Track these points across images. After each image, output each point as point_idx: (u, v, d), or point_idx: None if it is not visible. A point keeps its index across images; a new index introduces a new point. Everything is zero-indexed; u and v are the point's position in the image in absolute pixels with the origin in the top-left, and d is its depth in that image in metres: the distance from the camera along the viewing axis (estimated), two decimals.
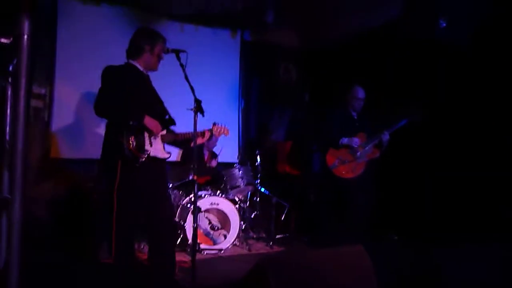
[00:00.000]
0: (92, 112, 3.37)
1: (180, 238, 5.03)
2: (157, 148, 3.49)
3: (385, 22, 6.03)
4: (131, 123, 3.30)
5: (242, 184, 5.51)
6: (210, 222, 5.32)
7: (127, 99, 3.34)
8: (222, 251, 5.13)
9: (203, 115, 3.41)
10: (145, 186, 3.44)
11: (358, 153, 5.05)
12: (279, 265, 2.43)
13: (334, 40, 7.07)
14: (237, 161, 6.74)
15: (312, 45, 7.64)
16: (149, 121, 3.39)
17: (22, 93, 1.54)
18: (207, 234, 5.30)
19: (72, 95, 5.91)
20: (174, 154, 5.65)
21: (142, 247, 4.99)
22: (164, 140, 3.57)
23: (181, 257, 4.68)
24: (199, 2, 6.19)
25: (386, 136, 5.03)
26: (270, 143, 7.65)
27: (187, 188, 5.53)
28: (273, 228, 5.85)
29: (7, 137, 1.68)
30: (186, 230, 4.94)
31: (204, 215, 5.29)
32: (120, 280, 3.42)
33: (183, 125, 3.81)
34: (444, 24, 5.24)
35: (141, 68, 3.51)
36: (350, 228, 4.99)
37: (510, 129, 4.76)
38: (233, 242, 5.24)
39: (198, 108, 3.40)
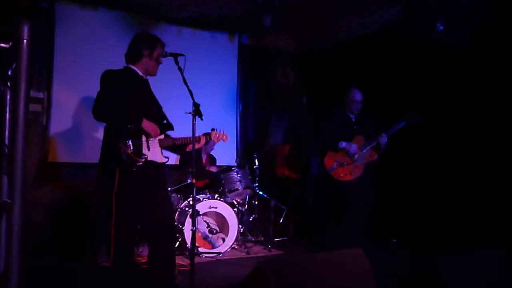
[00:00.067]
0: (90, 116, 3.36)
1: (178, 242, 5.02)
2: (155, 153, 3.49)
3: (383, 25, 6.05)
4: (129, 126, 3.31)
5: (240, 187, 5.51)
6: (208, 226, 5.32)
7: (126, 103, 3.34)
8: (221, 255, 5.12)
9: (201, 119, 3.41)
10: (143, 190, 3.44)
11: (356, 156, 5.07)
12: (278, 268, 2.44)
13: (332, 43, 7.10)
14: (235, 164, 6.75)
15: (310, 48, 7.66)
16: (147, 125, 3.39)
17: (22, 97, 1.55)
18: (205, 238, 5.30)
19: (70, 99, 5.91)
20: (173, 158, 5.65)
21: (140, 251, 4.99)
22: (162, 144, 3.57)
23: (180, 260, 4.67)
24: (196, 6, 6.19)
25: (384, 139, 5.05)
26: (268, 147, 7.66)
27: (185, 191, 5.53)
28: (272, 231, 5.85)
29: (6, 142, 1.68)
30: (185, 233, 4.94)
31: (203, 218, 5.29)
32: (119, 284, 3.42)
33: (181, 129, 3.81)
34: (442, 27, 5.25)
35: (140, 73, 3.52)
36: (348, 231, 5.00)
37: (509, 130, 4.77)
38: (231, 245, 5.24)
39: (197, 111, 3.41)
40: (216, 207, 5.22)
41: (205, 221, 5.33)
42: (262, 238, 6.06)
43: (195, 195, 3.54)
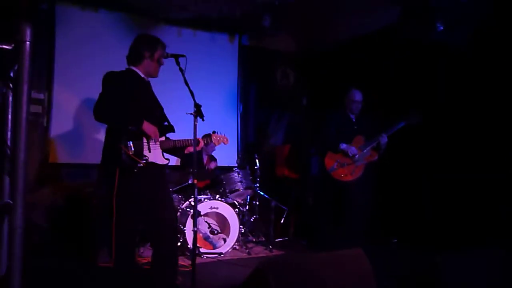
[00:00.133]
0: (91, 117, 3.37)
1: (179, 243, 5.03)
2: (156, 154, 3.49)
3: (382, 25, 6.06)
4: (129, 128, 3.31)
5: (241, 188, 5.52)
6: (209, 226, 5.33)
7: (127, 105, 3.35)
8: (222, 255, 5.13)
9: (203, 120, 3.42)
10: (144, 191, 3.44)
11: (357, 156, 5.07)
12: (279, 269, 2.44)
13: (332, 43, 7.11)
14: (236, 165, 6.75)
15: (310, 49, 7.66)
16: (147, 127, 3.39)
17: (24, 98, 1.55)
18: (206, 238, 5.30)
19: (70, 101, 5.92)
20: (173, 158, 5.65)
21: (141, 252, 4.99)
22: (163, 146, 3.57)
23: (181, 261, 4.68)
24: (196, 6, 6.20)
25: (384, 139, 5.05)
26: (268, 147, 7.67)
27: (187, 192, 5.54)
28: (273, 231, 5.85)
29: (8, 143, 1.68)
30: (186, 234, 4.94)
31: (204, 219, 5.30)
32: (121, 284, 3.42)
33: (182, 130, 3.82)
34: (442, 28, 5.25)
35: (141, 74, 3.52)
36: (349, 231, 5.00)
37: (509, 130, 4.77)
38: (232, 246, 5.24)
39: (198, 112, 3.42)
40: (217, 208, 5.23)
41: (206, 221, 5.34)
42: (263, 239, 6.06)
43: (196, 195, 3.55)
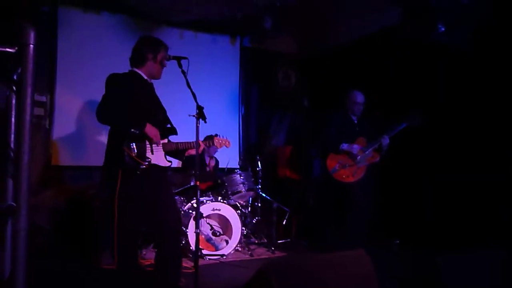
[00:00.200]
0: (93, 120, 3.38)
1: (182, 244, 5.03)
2: (158, 156, 3.50)
3: (384, 26, 6.06)
4: (132, 130, 3.32)
5: (243, 189, 5.53)
6: (211, 228, 5.33)
7: (130, 107, 3.36)
8: (224, 257, 5.13)
9: (205, 121, 3.43)
10: (146, 193, 3.45)
11: (358, 157, 5.07)
12: (282, 270, 2.44)
13: (332, 44, 7.11)
14: (238, 166, 6.75)
15: (311, 50, 7.67)
16: (150, 129, 3.40)
17: (28, 101, 1.55)
18: (208, 240, 5.31)
19: (73, 103, 5.93)
20: (175, 161, 5.66)
21: (144, 253, 5.00)
22: (165, 148, 3.58)
23: (183, 263, 4.67)
24: (198, 9, 6.21)
25: (386, 140, 5.05)
26: (270, 148, 7.67)
27: (189, 194, 5.54)
28: (275, 233, 5.86)
29: (12, 145, 1.69)
30: (188, 236, 4.95)
31: (206, 221, 5.30)
32: (123, 286, 3.43)
33: (184, 132, 3.83)
34: (443, 29, 5.26)
35: (145, 76, 3.54)
36: (351, 232, 5.00)
37: (509, 131, 4.77)
38: (235, 247, 5.24)
39: (200, 114, 3.42)
40: (219, 210, 5.23)
41: (208, 223, 5.34)
42: (266, 240, 6.07)
43: (199, 197, 3.55)
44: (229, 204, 5.33)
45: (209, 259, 5.05)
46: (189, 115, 3.48)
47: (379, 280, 2.67)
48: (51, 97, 5.85)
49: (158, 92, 3.68)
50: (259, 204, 6.07)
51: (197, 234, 3.44)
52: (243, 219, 5.57)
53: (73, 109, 5.95)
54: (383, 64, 6.14)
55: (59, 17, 5.91)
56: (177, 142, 3.65)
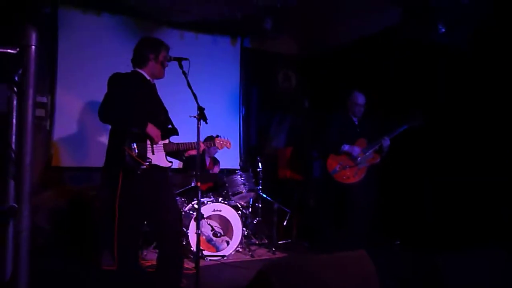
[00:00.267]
0: (94, 121, 3.39)
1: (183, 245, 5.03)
2: (159, 157, 3.50)
3: (383, 27, 6.06)
4: (133, 130, 3.33)
5: (244, 190, 5.53)
6: (212, 229, 5.33)
7: (132, 106, 3.36)
8: (225, 258, 5.13)
9: (206, 122, 3.43)
10: (147, 193, 3.45)
11: (359, 159, 5.07)
12: (283, 271, 2.45)
13: (333, 45, 7.11)
14: (239, 167, 6.75)
15: (311, 51, 7.67)
16: (151, 129, 3.41)
17: (30, 102, 1.55)
18: (209, 241, 5.31)
19: (73, 104, 5.94)
20: (176, 161, 5.67)
21: (145, 254, 5.00)
22: (166, 149, 3.58)
23: (184, 264, 4.68)
24: (198, 9, 6.21)
25: (386, 142, 5.05)
26: (271, 149, 7.68)
27: (189, 195, 5.54)
28: (276, 234, 5.86)
29: (13, 147, 1.69)
30: (189, 237, 4.95)
31: (207, 221, 5.30)
32: (124, 287, 3.43)
33: (185, 132, 3.83)
34: (443, 30, 5.26)
35: (147, 77, 3.54)
36: (352, 233, 5.00)
37: (510, 131, 4.77)
38: (235, 248, 5.24)
39: (201, 115, 3.42)
40: (220, 210, 5.23)
41: (209, 224, 5.34)
42: (266, 241, 6.06)
43: (200, 198, 3.55)
44: (230, 205, 5.32)
45: (210, 260, 5.05)
46: (190, 116, 3.48)
47: (379, 280, 2.67)
48: (51, 98, 5.87)
49: (159, 93, 3.69)
50: (260, 205, 6.07)
51: (198, 235, 3.44)
52: (243, 220, 5.57)
53: (73, 110, 5.95)
54: (383, 64, 6.14)
55: (59, 18, 5.92)
56: (178, 143, 3.66)
